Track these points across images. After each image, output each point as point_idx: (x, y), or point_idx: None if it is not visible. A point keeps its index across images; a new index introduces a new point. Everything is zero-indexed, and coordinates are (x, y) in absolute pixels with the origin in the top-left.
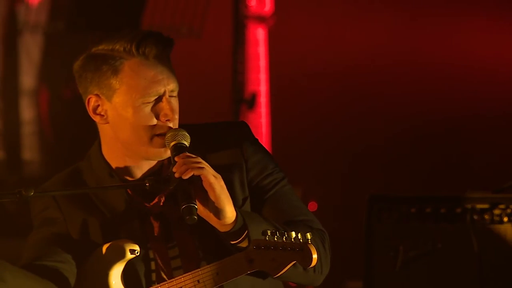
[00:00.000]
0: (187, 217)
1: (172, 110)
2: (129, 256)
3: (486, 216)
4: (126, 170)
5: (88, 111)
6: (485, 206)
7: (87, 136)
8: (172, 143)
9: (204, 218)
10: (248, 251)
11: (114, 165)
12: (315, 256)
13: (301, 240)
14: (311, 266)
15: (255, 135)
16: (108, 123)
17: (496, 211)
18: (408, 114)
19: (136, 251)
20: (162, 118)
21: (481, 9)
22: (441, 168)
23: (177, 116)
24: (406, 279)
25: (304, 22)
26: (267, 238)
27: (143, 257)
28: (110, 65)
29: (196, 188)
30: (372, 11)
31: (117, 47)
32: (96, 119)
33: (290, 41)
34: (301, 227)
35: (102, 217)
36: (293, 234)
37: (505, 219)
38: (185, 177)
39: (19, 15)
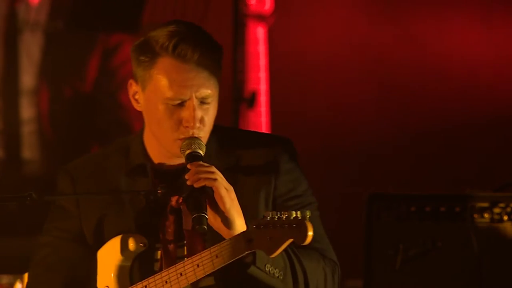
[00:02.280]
0: (197, 226)
1: (194, 118)
2: (137, 249)
3: (486, 215)
4: (160, 158)
5: (129, 94)
6: (485, 204)
7: (87, 135)
8: (187, 152)
9: (214, 228)
10: (248, 231)
11: (149, 150)
12: (310, 233)
13: (299, 217)
14: (305, 243)
15: None
16: (142, 110)
17: (496, 210)
18: (408, 113)
19: (144, 244)
20: (184, 124)
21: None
22: (441, 166)
23: (200, 125)
24: (406, 278)
25: (304, 21)
26: (268, 218)
27: (149, 256)
28: (148, 57)
29: (208, 198)
30: (371, 9)
31: (160, 40)
32: (134, 104)
33: (290, 39)
34: (312, 254)
35: (120, 206)
36: (294, 213)
37: (505, 217)
38: (196, 186)
39: (19, 14)
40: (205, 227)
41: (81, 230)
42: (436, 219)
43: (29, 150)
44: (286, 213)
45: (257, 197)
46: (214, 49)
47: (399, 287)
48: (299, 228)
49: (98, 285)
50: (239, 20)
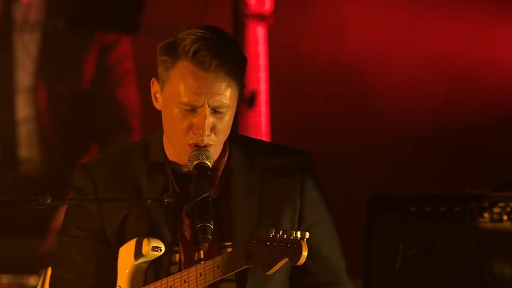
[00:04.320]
0: (201, 236)
1: (204, 126)
2: (152, 253)
3: (486, 215)
4: (177, 159)
5: (151, 92)
6: (485, 204)
7: (85, 133)
8: (195, 162)
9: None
10: (249, 245)
11: (167, 151)
12: (304, 253)
13: (298, 237)
14: (299, 263)
15: (254, 134)
16: (161, 110)
17: (496, 210)
18: (409, 113)
19: (159, 249)
20: (194, 130)
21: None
22: (441, 166)
23: (211, 133)
24: (405, 278)
25: (304, 20)
26: (270, 235)
27: (167, 259)
28: (169, 58)
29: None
30: (371, 8)
31: (184, 43)
32: (154, 102)
33: (290, 39)
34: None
35: (141, 206)
36: (294, 233)
37: (505, 217)
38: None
39: (16, 13)
40: (210, 237)
41: (102, 229)
42: (435, 219)
43: (26, 149)
44: (288, 232)
45: (281, 214)
46: (236, 60)
47: (398, 287)
48: (295, 248)
49: (117, 283)
50: (239, 20)
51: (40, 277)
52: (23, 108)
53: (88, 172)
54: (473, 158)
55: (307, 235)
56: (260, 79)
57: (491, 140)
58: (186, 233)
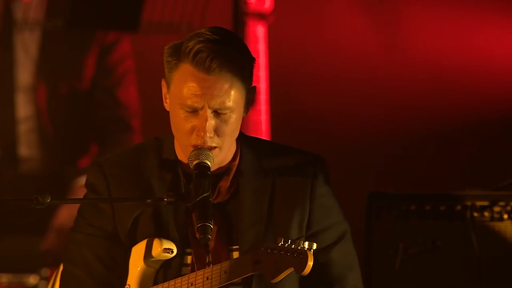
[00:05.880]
0: (201, 236)
1: (205, 128)
2: (163, 255)
3: (486, 214)
4: (184, 159)
5: (162, 93)
6: (485, 203)
7: (85, 133)
8: (195, 162)
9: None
10: (258, 252)
11: (178, 152)
12: (310, 263)
13: (305, 248)
14: (303, 273)
15: (254, 132)
16: (169, 111)
17: (496, 209)
18: (408, 112)
19: (171, 250)
20: (196, 132)
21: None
22: (441, 166)
23: (214, 135)
24: (405, 277)
25: (304, 19)
26: (279, 244)
27: (178, 261)
28: (174, 59)
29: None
30: (371, 9)
31: (187, 44)
32: (164, 102)
33: (290, 38)
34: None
35: (154, 206)
36: (301, 243)
37: (505, 216)
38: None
39: (16, 12)
40: (209, 236)
41: (114, 228)
42: (436, 218)
43: (26, 148)
44: (296, 241)
45: (289, 219)
46: (239, 61)
47: (399, 286)
48: (301, 257)
49: (127, 282)
50: (239, 19)
51: (39, 276)
52: (23, 107)
53: (102, 171)
54: (473, 157)
55: (315, 246)
56: (260, 77)
57: (491, 139)
58: (197, 235)
